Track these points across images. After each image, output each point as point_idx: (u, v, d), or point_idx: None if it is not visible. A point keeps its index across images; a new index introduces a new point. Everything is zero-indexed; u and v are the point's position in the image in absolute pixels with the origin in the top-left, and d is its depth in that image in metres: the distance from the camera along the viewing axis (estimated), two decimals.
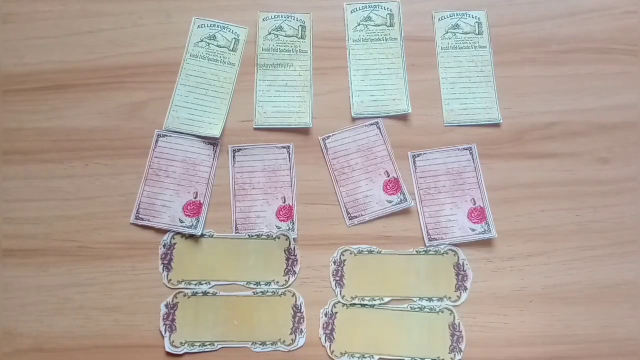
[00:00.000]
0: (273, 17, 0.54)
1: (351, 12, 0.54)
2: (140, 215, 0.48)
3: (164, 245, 0.45)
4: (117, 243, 0.48)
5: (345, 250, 0.41)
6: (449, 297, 0.42)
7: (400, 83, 0.52)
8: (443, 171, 0.50)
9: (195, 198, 0.48)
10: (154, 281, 0.46)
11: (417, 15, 0.54)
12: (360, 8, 0.54)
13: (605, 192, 0.49)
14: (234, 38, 0.53)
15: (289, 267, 0.46)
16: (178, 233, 0.47)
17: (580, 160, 0.50)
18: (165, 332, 0.44)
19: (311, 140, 0.51)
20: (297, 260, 0.46)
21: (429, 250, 0.43)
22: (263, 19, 0.54)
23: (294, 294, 0.45)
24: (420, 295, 0.41)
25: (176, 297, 0.45)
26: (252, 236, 0.47)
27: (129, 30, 0.53)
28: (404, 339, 0.42)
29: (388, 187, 0.49)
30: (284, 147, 0.50)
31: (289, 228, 0.47)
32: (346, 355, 0.42)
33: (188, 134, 0.50)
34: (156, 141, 0.50)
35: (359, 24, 0.54)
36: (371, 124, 0.50)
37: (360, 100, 0.51)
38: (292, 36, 0.53)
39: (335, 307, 0.42)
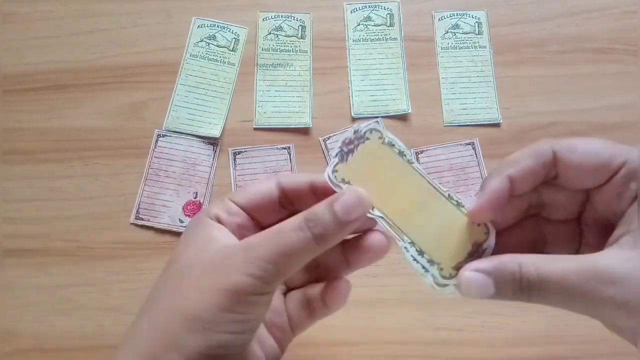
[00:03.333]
0: (273, 17, 0.54)
1: (351, 12, 0.54)
2: (140, 215, 0.48)
3: None
4: (117, 243, 0.48)
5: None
6: (441, 269, 0.28)
7: (400, 83, 0.52)
8: (446, 167, 0.50)
9: (195, 198, 0.48)
10: (154, 281, 0.46)
11: (417, 15, 0.54)
12: (360, 8, 0.54)
13: None
14: (234, 38, 0.53)
15: None
16: None
17: None
18: None
19: (311, 140, 0.51)
20: None
21: (462, 203, 0.29)
22: (263, 19, 0.54)
23: None
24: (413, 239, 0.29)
25: None
26: None
27: (129, 30, 0.53)
28: None
29: None
30: (284, 148, 0.50)
31: None
32: None
33: (188, 134, 0.50)
34: (156, 141, 0.50)
35: (359, 24, 0.54)
36: None
37: (360, 100, 0.51)
38: (292, 36, 0.53)
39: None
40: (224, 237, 0.28)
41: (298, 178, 0.30)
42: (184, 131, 0.50)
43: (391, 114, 0.51)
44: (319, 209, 0.26)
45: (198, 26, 0.53)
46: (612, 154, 0.27)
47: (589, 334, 0.46)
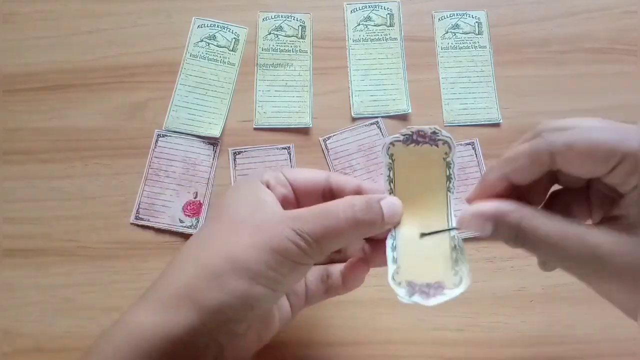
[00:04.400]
0: (273, 17, 0.54)
1: (351, 12, 0.54)
2: (140, 215, 0.48)
3: None
4: (117, 243, 0.48)
5: None
6: (397, 273, 0.30)
7: (400, 83, 0.52)
8: None
9: (195, 198, 0.48)
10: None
11: (417, 15, 0.54)
12: (360, 8, 0.54)
13: None
14: (234, 38, 0.53)
15: None
16: None
17: None
18: None
19: (311, 140, 0.51)
20: None
21: (457, 247, 0.30)
22: (263, 19, 0.54)
23: None
24: None
25: None
26: None
27: (129, 30, 0.53)
28: None
29: None
30: (284, 148, 0.50)
31: None
32: None
33: (188, 134, 0.50)
34: (156, 141, 0.50)
35: (359, 24, 0.54)
36: (371, 124, 0.51)
37: (360, 100, 0.51)
38: (292, 36, 0.53)
39: None
40: (273, 203, 0.31)
41: (348, 180, 0.34)
42: (184, 131, 0.50)
43: (391, 114, 0.51)
44: (371, 198, 0.30)
45: (198, 26, 0.53)
46: (611, 147, 0.26)
47: (589, 334, 0.46)
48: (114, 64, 0.52)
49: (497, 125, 0.51)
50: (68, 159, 0.49)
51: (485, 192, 0.29)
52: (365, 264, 0.35)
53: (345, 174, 0.49)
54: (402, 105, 0.51)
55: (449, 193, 0.31)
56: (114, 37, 0.53)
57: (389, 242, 0.30)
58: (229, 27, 0.53)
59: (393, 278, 0.29)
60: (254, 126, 0.51)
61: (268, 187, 0.32)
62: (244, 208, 0.31)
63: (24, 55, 0.52)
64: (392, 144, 0.31)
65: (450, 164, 0.31)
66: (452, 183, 0.31)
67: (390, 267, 0.29)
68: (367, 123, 0.51)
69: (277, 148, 0.50)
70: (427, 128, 0.30)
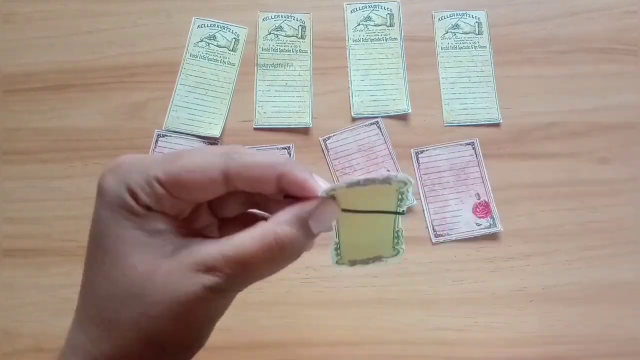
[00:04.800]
0: (273, 17, 0.54)
1: (351, 12, 0.54)
2: None
3: None
4: None
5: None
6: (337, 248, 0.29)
7: (400, 83, 0.52)
8: (446, 167, 0.50)
9: None
10: None
11: (417, 15, 0.54)
12: (360, 8, 0.54)
13: (605, 192, 0.49)
14: (234, 38, 0.53)
15: None
16: None
17: (580, 160, 0.50)
18: None
19: (311, 140, 0.51)
20: None
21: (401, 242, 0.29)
22: (263, 19, 0.54)
23: None
24: None
25: None
26: None
27: (129, 30, 0.53)
28: None
29: None
30: (284, 148, 0.50)
31: None
32: None
33: (188, 134, 0.50)
34: (156, 141, 0.50)
35: (359, 24, 0.54)
36: (371, 124, 0.51)
37: (360, 100, 0.51)
38: (292, 36, 0.53)
39: None
40: (169, 237, 0.25)
41: (260, 174, 0.25)
42: (184, 131, 0.50)
43: (391, 114, 0.51)
44: (294, 231, 0.25)
45: (198, 26, 0.53)
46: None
47: (588, 334, 0.46)
48: (114, 64, 0.52)
49: (497, 125, 0.51)
50: (68, 159, 0.49)
51: None
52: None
53: (345, 174, 0.49)
54: (402, 105, 0.51)
55: (399, 210, 0.27)
56: (114, 37, 0.53)
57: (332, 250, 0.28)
58: (229, 27, 0.53)
59: (337, 262, 0.28)
60: (254, 126, 0.51)
61: (147, 207, 0.25)
62: (139, 262, 0.25)
63: (24, 55, 0.52)
64: (332, 190, 0.25)
65: (405, 192, 0.27)
66: (404, 203, 0.27)
67: (333, 254, 0.28)
68: (367, 123, 0.51)
69: (277, 148, 0.50)
70: (379, 177, 0.25)
